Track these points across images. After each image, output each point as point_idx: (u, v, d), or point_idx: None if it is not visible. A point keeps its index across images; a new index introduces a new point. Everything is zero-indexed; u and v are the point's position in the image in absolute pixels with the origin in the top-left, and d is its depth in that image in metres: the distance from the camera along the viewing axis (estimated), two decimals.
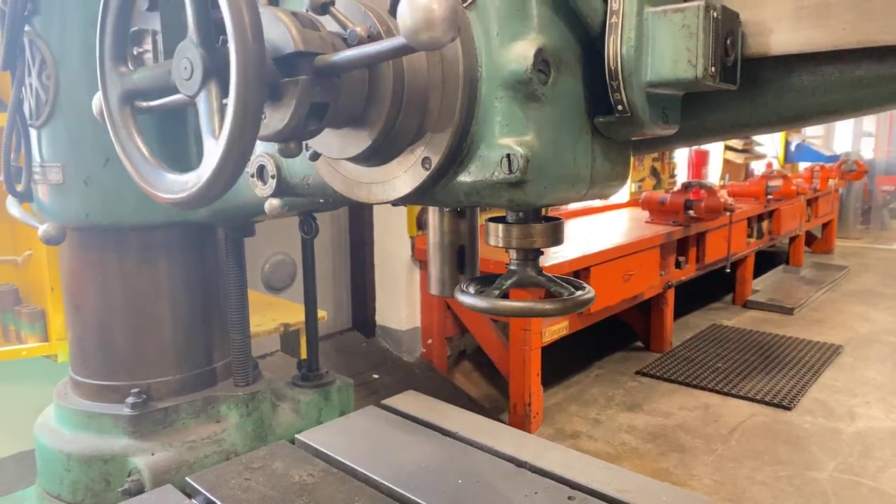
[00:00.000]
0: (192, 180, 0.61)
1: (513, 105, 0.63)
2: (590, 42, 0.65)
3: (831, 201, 7.10)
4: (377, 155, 0.68)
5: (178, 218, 1.35)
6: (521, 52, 0.61)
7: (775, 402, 3.42)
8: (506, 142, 0.63)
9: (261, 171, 0.82)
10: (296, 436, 1.26)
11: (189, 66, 0.59)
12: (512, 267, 0.81)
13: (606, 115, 0.67)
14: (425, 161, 0.66)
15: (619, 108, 0.65)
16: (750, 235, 5.29)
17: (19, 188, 1.26)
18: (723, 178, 6.81)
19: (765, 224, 5.59)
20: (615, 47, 0.63)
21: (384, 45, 0.56)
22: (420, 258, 3.48)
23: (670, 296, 4.21)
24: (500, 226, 0.77)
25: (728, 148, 6.79)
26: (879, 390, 3.61)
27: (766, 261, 6.63)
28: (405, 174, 0.68)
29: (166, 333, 1.41)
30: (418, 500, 0.98)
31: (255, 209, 1.36)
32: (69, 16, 1.20)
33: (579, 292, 0.80)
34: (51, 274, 1.92)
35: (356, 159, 0.69)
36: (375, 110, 0.64)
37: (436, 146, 0.65)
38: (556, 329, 3.17)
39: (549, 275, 0.83)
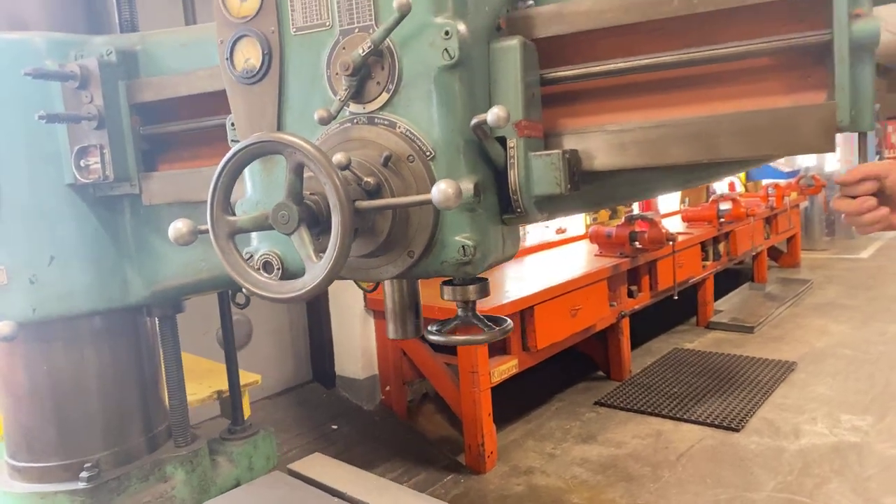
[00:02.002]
0: (299, 286, 0.88)
1: (462, 215, 0.95)
2: (498, 174, 1.00)
3: (789, 217, 7.31)
4: (378, 252, 0.98)
5: (120, 304, 1.52)
6: (467, 185, 0.92)
7: (724, 424, 3.58)
8: (459, 238, 0.95)
9: (266, 266, 1.03)
10: None
11: (287, 215, 0.88)
12: (459, 313, 1.12)
13: (509, 214, 1.02)
14: (410, 253, 0.97)
15: (518, 210, 1.01)
16: (706, 259, 5.48)
17: None
18: (682, 202, 7.04)
19: (721, 246, 5.79)
20: (514, 176, 0.99)
21: (413, 199, 0.89)
22: (373, 308, 3.63)
23: (625, 325, 4.38)
24: (449, 287, 1.10)
25: None
26: (827, 405, 3.77)
27: (733, 279, 6.82)
28: (396, 262, 0.99)
29: (110, 409, 1.59)
30: None
31: (188, 289, 1.55)
32: (10, 134, 1.35)
33: (502, 325, 1.12)
34: None
35: (363, 255, 0.99)
36: (380, 226, 0.96)
37: (417, 243, 0.96)
38: (505, 368, 3.32)
39: (481, 315, 1.14)
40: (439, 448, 3.47)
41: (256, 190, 1.07)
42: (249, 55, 1.02)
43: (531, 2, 1.10)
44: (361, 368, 3.70)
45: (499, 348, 3.41)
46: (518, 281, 3.89)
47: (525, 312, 3.41)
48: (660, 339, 5.37)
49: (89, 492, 1.48)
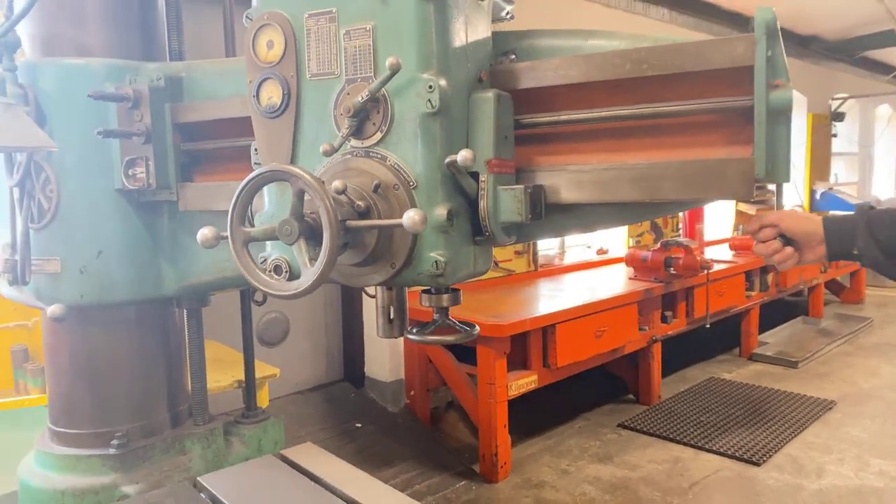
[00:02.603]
0: (295, 286, 1.07)
1: (437, 235, 1.13)
2: (471, 202, 1.18)
3: None
4: (365, 262, 1.17)
5: (154, 295, 1.75)
6: (441, 212, 1.11)
7: (745, 457, 3.57)
8: (433, 254, 1.13)
9: (277, 269, 1.23)
10: (197, 478, 1.59)
11: (290, 230, 1.07)
12: (435, 317, 1.31)
13: (480, 237, 1.20)
14: (392, 264, 1.15)
15: (487, 233, 1.18)
16: (750, 289, 5.40)
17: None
18: (736, 229, 6.93)
19: (770, 277, 5.68)
20: (484, 206, 1.17)
21: (390, 222, 1.08)
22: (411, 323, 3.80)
23: (657, 350, 4.40)
24: (426, 295, 1.28)
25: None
26: (858, 447, 3.70)
27: (789, 312, 6.66)
28: (380, 271, 1.17)
29: (140, 387, 1.82)
30: None
31: (215, 286, 1.77)
32: (72, 146, 1.60)
33: (471, 330, 1.30)
34: None
35: (351, 264, 1.18)
36: (368, 241, 1.14)
37: (399, 257, 1.15)
38: (524, 383, 3.43)
39: (454, 321, 1.31)
40: (457, 455, 3.61)
41: (272, 205, 1.27)
42: (272, 94, 1.23)
43: (513, 56, 1.27)
44: (389, 372, 3.89)
45: (519, 363, 3.53)
46: (547, 299, 4.00)
47: (547, 330, 3.52)
48: (697, 367, 5.33)
49: (118, 458, 1.71)
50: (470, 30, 1.17)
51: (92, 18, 1.72)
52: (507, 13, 1.35)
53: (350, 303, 3.99)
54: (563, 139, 1.27)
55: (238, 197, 1.11)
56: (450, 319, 1.31)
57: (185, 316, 1.88)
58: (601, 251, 5.54)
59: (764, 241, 1.26)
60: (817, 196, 8.41)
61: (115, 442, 1.71)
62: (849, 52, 8.43)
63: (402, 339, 3.90)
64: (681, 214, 5.83)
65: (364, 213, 1.11)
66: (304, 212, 1.08)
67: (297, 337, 3.84)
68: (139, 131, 1.61)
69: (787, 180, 1.06)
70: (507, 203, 1.16)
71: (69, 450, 1.74)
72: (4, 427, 2.46)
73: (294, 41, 1.19)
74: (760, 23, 1.01)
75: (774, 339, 6.00)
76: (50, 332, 1.77)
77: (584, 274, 4.90)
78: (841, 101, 8.97)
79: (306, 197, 1.06)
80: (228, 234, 1.12)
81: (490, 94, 1.15)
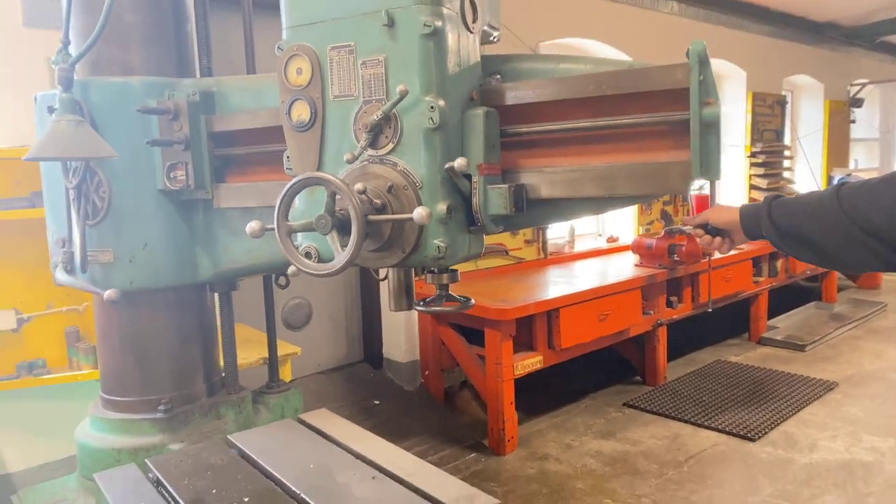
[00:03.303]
0: (330, 267, 1.30)
1: (438, 226, 1.35)
2: (465, 199, 1.40)
3: None
4: (381, 248, 1.39)
5: (191, 281, 2.01)
6: (442, 207, 1.34)
7: (741, 433, 3.76)
8: (436, 241, 1.35)
9: (308, 255, 1.47)
10: (228, 435, 1.85)
11: (326, 223, 1.31)
12: (438, 292, 1.54)
13: (473, 226, 1.42)
14: (403, 249, 1.37)
15: (479, 223, 1.40)
16: (758, 274, 5.54)
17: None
18: None
19: (779, 262, 5.81)
20: (476, 201, 1.38)
21: (403, 216, 1.30)
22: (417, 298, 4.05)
23: (661, 333, 4.60)
24: (429, 275, 1.51)
25: (753, 187, 7.02)
26: (853, 425, 3.87)
27: (803, 297, 6.77)
28: (393, 255, 1.39)
29: (180, 361, 2.09)
30: (277, 475, 1.57)
31: (243, 272, 2.03)
32: (120, 153, 1.84)
33: (466, 302, 1.54)
34: None
35: (370, 250, 1.41)
36: (384, 231, 1.37)
37: (408, 243, 1.37)
38: (529, 363, 3.67)
39: (454, 295, 1.54)
40: (468, 430, 3.87)
41: (302, 203, 1.49)
42: (301, 112, 1.46)
43: (499, 76, 1.50)
44: (405, 353, 4.15)
45: (525, 345, 3.77)
46: (553, 285, 4.21)
47: (551, 313, 3.75)
48: (706, 351, 5.50)
49: (164, 421, 1.98)
50: (463, 58, 1.40)
51: (134, 41, 1.97)
52: (494, 37, 1.57)
53: (368, 289, 4.25)
54: (540, 146, 1.50)
55: (283, 197, 1.35)
56: (450, 294, 1.55)
57: (217, 299, 2.14)
58: (611, 239, 5.73)
59: (699, 237, 1.55)
60: (834, 182, 8.43)
61: (161, 407, 1.98)
62: (867, 37, 8.43)
63: (417, 323, 4.19)
64: (690, 203, 5.97)
65: (381, 209, 1.34)
66: (335, 209, 1.32)
67: (320, 321, 4.12)
68: (179, 140, 1.86)
69: (718, 178, 1.29)
70: (495, 199, 1.39)
71: (122, 415, 2.02)
72: (60, 398, 2.78)
73: (319, 69, 1.43)
74: (693, 53, 1.23)
75: (785, 324, 6.14)
76: (102, 314, 2.05)
77: (592, 261, 5.10)
78: (860, 86, 8.95)
79: (337, 197, 1.31)
80: (275, 226, 1.35)
81: (480, 111, 1.38)
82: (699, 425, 3.92)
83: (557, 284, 4.21)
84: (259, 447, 1.76)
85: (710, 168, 1.26)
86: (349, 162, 1.40)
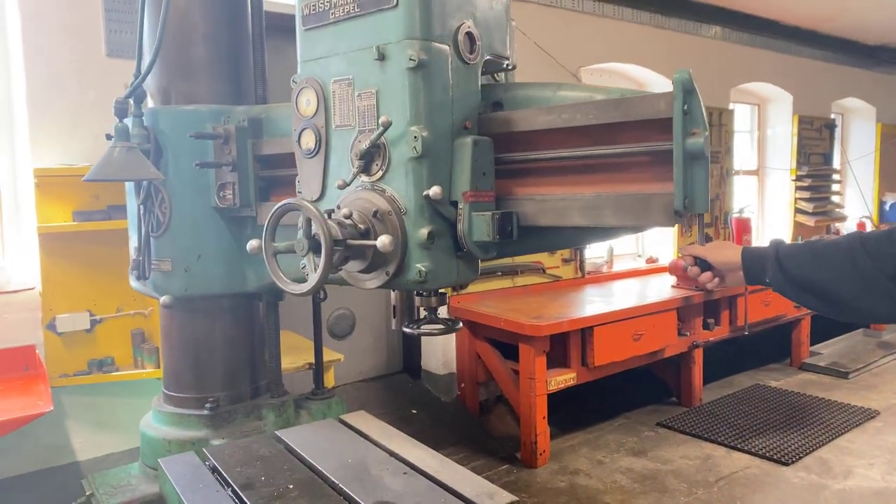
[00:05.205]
0: (305, 287, 1.37)
1: (421, 251, 1.38)
2: (450, 225, 1.41)
3: None
4: (367, 270, 1.44)
5: (240, 290, 2.15)
6: (423, 232, 1.37)
7: (775, 457, 3.68)
8: (418, 266, 1.38)
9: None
10: (275, 431, 1.97)
11: (303, 246, 1.38)
12: (425, 314, 1.56)
13: (461, 252, 1.43)
14: (387, 272, 1.42)
15: (465, 249, 1.41)
16: None
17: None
18: (795, 240, 6.86)
19: None
20: (461, 226, 1.38)
21: (370, 243, 1.33)
22: (454, 315, 4.15)
23: (698, 354, 4.54)
24: (419, 297, 1.54)
25: (798, 211, 6.85)
26: (892, 454, 3.74)
27: (850, 324, 6.54)
28: (378, 277, 1.44)
29: (229, 363, 2.21)
30: (319, 467, 1.67)
31: None
32: (181, 174, 2.03)
33: (454, 325, 1.55)
34: None
35: (357, 271, 1.46)
36: (367, 254, 1.40)
37: (391, 266, 1.41)
38: (562, 379, 3.70)
39: (441, 317, 1.56)
40: (501, 443, 3.91)
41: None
42: (309, 140, 1.55)
43: (501, 104, 1.50)
44: (442, 365, 4.23)
45: (559, 361, 3.79)
46: (588, 303, 4.23)
47: (586, 331, 3.77)
48: (746, 375, 5.38)
49: (210, 417, 2.12)
50: (456, 88, 1.39)
51: (197, 73, 2.14)
52: (508, 64, 1.57)
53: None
54: (533, 174, 1.49)
55: (268, 222, 1.44)
56: (438, 317, 1.55)
57: (264, 308, 2.28)
58: (650, 260, 5.69)
59: (690, 268, 1.55)
60: (886, 207, 8.13)
61: (208, 405, 2.12)
62: None
63: (454, 336, 4.26)
64: (731, 226, 5.88)
65: (364, 234, 1.36)
66: (313, 233, 1.37)
67: (363, 331, 4.25)
68: (227, 162, 2.01)
69: (705, 210, 1.23)
70: (479, 226, 1.37)
71: (175, 409, 2.17)
72: (124, 395, 2.99)
73: (324, 100, 1.51)
74: (677, 82, 1.16)
75: (829, 350, 5.94)
76: (165, 318, 2.22)
77: (629, 282, 5.08)
78: None
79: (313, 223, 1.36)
80: (263, 247, 1.45)
81: (468, 140, 1.37)
82: (732, 447, 3.85)
83: (593, 303, 4.23)
84: (303, 442, 1.88)
85: (695, 200, 1.19)
86: (340, 188, 1.44)
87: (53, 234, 2.85)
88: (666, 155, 1.21)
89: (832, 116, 7.62)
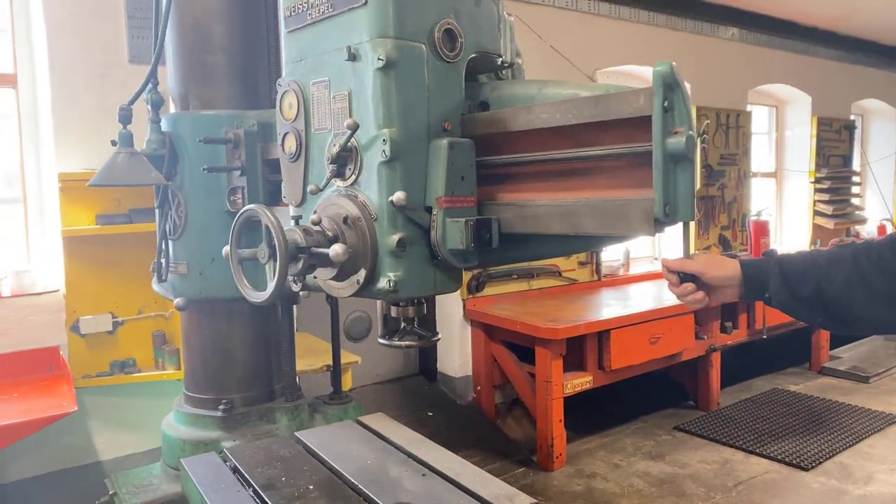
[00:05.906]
0: (264, 296, 1.36)
1: (391, 259, 1.33)
2: (425, 232, 1.34)
3: None
4: (337, 278, 1.39)
5: None
6: (393, 239, 1.31)
7: (795, 462, 3.61)
8: (389, 274, 1.32)
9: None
10: (295, 433, 1.98)
11: (265, 253, 1.36)
12: (403, 325, 1.51)
13: (436, 260, 1.36)
14: (357, 281, 1.37)
15: (440, 257, 1.34)
16: None
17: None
18: (813, 244, 6.76)
19: None
20: (435, 234, 1.30)
21: (323, 251, 1.29)
22: (470, 318, 4.14)
23: (715, 358, 4.49)
24: (395, 307, 1.49)
25: (818, 213, 6.75)
26: None
27: None
28: (349, 286, 1.40)
29: (244, 366, 2.21)
30: (338, 468, 1.67)
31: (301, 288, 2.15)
32: (196, 178, 2.03)
33: (431, 337, 1.50)
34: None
35: (328, 279, 1.42)
36: (334, 262, 1.34)
37: (359, 274, 1.35)
38: (578, 383, 3.67)
39: (419, 331, 1.51)
40: (517, 446, 3.89)
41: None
42: (291, 144, 1.50)
43: (486, 104, 1.40)
44: (458, 368, 4.22)
45: (575, 364, 3.77)
46: (605, 306, 4.20)
47: (602, 334, 3.74)
48: (764, 378, 5.30)
49: (223, 419, 2.11)
50: (433, 88, 1.31)
51: (214, 79, 2.15)
52: (501, 62, 1.45)
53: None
54: (512, 179, 1.38)
55: (233, 229, 1.44)
56: (416, 327, 1.48)
57: (279, 311, 2.28)
58: None
59: (671, 281, 1.39)
60: None
61: (221, 407, 2.12)
62: None
63: (470, 339, 4.25)
64: (748, 228, 5.81)
65: (333, 240, 1.30)
66: (272, 241, 1.31)
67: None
68: (236, 167, 2.01)
69: (690, 219, 1.09)
70: (453, 233, 1.28)
71: (193, 410, 2.18)
72: (146, 396, 3.02)
73: (304, 103, 1.43)
74: (657, 76, 1.05)
75: (849, 354, 5.84)
76: (184, 320, 2.23)
77: (646, 285, 5.03)
78: None
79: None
80: (229, 254, 1.44)
81: (444, 142, 1.28)
82: (751, 452, 3.79)
83: (609, 306, 4.19)
84: (323, 443, 1.88)
85: (677, 208, 1.07)
86: (313, 193, 1.40)
87: (77, 238, 2.89)
88: (647, 157, 1.07)
89: (852, 118, 7.51)
